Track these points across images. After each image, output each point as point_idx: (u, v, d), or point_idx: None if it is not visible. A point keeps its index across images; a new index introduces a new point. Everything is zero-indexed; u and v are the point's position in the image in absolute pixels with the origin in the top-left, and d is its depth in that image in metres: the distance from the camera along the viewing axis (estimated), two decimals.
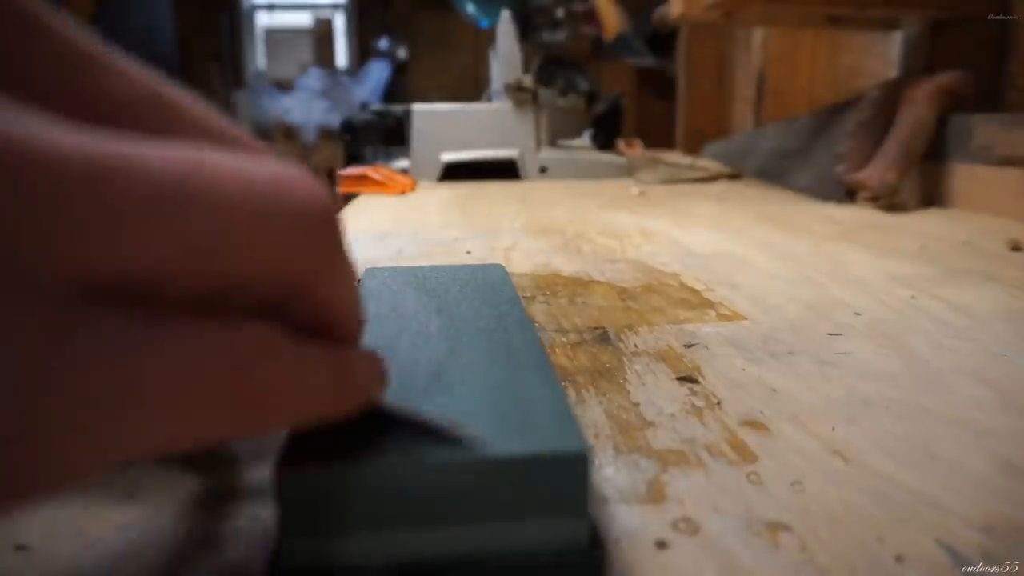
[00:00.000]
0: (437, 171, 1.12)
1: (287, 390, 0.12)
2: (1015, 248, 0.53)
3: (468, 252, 0.54)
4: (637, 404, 0.25)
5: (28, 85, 0.11)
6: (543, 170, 1.14)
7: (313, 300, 0.13)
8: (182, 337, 0.10)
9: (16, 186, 0.08)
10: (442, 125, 1.15)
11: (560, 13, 1.21)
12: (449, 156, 1.13)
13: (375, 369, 0.15)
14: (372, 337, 0.21)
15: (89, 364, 0.09)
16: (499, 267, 0.31)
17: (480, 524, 0.15)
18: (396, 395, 0.17)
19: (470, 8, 1.33)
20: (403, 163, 1.16)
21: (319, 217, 0.12)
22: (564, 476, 0.15)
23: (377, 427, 0.15)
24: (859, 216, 0.72)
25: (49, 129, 0.09)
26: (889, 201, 0.75)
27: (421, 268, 0.30)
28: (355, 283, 0.14)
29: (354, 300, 0.14)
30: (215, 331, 0.11)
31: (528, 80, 1.13)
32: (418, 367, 0.19)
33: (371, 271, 0.30)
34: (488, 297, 0.25)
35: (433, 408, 0.16)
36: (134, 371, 0.10)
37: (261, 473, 0.20)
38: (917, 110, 0.77)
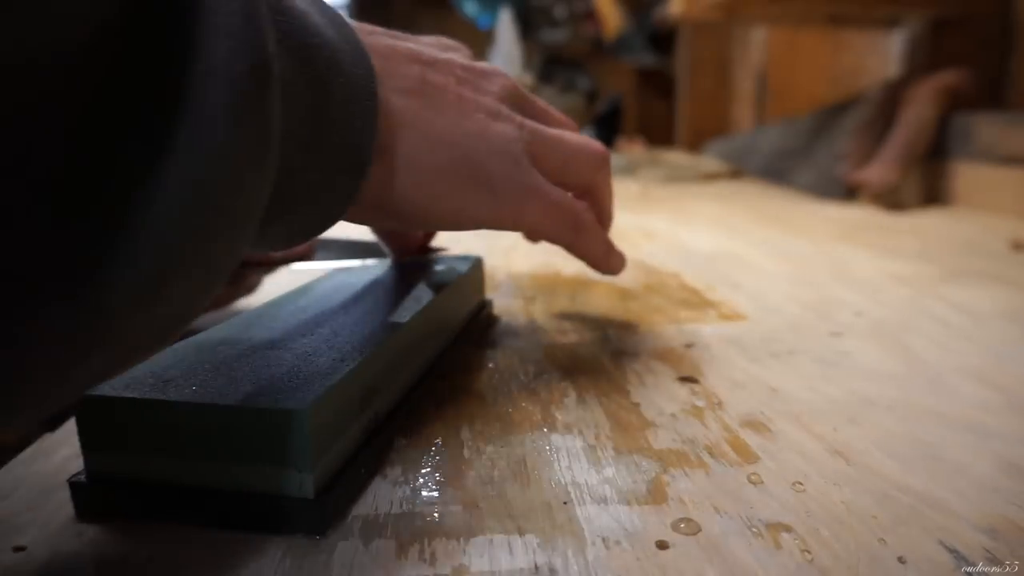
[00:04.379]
0: None
1: (590, 228, 0.29)
2: (1017, 247, 0.53)
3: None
4: (637, 404, 0.25)
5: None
6: None
7: (596, 196, 0.30)
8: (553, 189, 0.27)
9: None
10: None
11: (560, 13, 1.21)
12: None
13: (618, 258, 0.31)
14: (279, 325, 0.23)
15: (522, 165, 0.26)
16: (468, 260, 0.33)
17: (221, 463, 0.17)
18: (247, 347, 0.21)
19: (470, 8, 1.33)
20: None
21: (604, 156, 0.29)
22: (285, 429, 0.17)
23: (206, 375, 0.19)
24: (860, 215, 0.72)
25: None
26: (890, 200, 0.75)
27: (383, 264, 0.33)
28: (611, 195, 0.31)
29: (609, 203, 0.31)
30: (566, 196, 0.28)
31: (528, 79, 1.13)
32: (277, 344, 0.21)
33: (336, 271, 0.31)
34: (410, 294, 0.27)
35: (246, 369, 0.19)
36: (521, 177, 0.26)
37: None
38: (918, 109, 0.77)
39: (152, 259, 0.12)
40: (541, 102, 0.30)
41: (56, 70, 0.10)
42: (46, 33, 0.10)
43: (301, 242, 0.21)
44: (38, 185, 0.10)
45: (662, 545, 0.17)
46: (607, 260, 0.30)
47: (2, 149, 0.10)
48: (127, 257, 0.11)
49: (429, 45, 0.28)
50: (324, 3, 0.21)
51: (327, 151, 0.20)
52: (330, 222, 0.22)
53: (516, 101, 0.27)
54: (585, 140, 0.29)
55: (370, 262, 0.33)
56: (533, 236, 0.28)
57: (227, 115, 0.13)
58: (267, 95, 0.14)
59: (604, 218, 0.31)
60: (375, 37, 0.25)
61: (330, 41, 0.20)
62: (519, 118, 0.26)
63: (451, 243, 0.37)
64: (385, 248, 0.34)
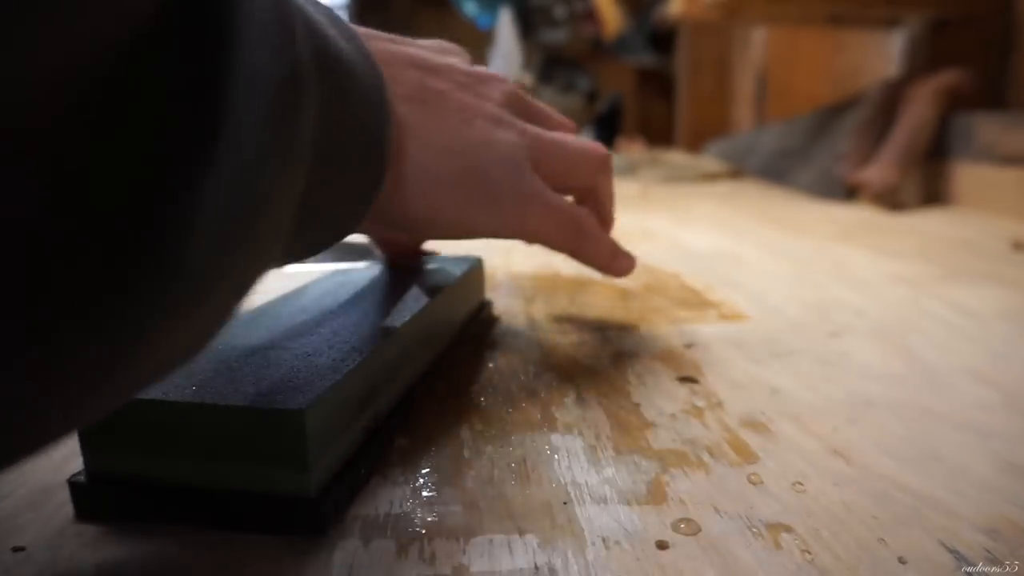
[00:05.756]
0: None
1: (592, 233, 0.29)
2: (1017, 247, 0.53)
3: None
4: (638, 404, 0.25)
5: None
6: None
7: (598, 199, 0.30)
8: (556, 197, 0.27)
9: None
10: None
11: (560, 13, 1.21)
12: None
13: (625, 260, 0.31)
14: (279, 325, 0.23)
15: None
16: (468, 260, 0.33)
17: (221, 463, 0.17)
18: (247, 347, 0.21)
19: (470, 8, 1.33)
20: None
21: (605, 158, 0.30)
22: (284, 429, 0.17)
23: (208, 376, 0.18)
24: (860, 216, 0.72)
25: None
26: (890, 200, 0.75)
27: (382, 265, 0.33)
28: (612, 197, 0.31)
29: (611, 205, 0.31)
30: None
31: (528, 79, 1.13)
32: (277, 344, 0.21)
33: (336, 272, 0.31)
34: (410, 294, 0.27)
35: (246, 369, 0.19)
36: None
37: None
38: (918, 109, 0.77)
39: (202, 270, 0.11)
40: (542, 106, 0.30)
41: (98, 68, 0.10)
42: (90, 32, 0.09)
43: (310, 256, 0.21)
44: (77, 199, 0.10)
45: (662, 545, 0.17)
46: (613, 263, 0.30)
47: (39, 159, 0.09)
48: (176, 269, 0.11)
49: (427, 49, 0.27)
50: (332, 12, 0.20)
51: (344, 164, 0.19)
52: (343, 234, 0.21)
53: (517, 106, 0.28)
54: (586, 143, 0.29)
55: (369, 263, 0.33)
56: (535, 243, 0.28)
57: (264, 124, 0.12)
58: (301, 105, 0.14)
59: (606, 220, 0.31)
60: (376, 42, 0.24)
61: (345, 52, 0.19)
62: (521, 124, 0.26)
63: (451, 243, 0.37)
64: (377, 252, 0.33)
